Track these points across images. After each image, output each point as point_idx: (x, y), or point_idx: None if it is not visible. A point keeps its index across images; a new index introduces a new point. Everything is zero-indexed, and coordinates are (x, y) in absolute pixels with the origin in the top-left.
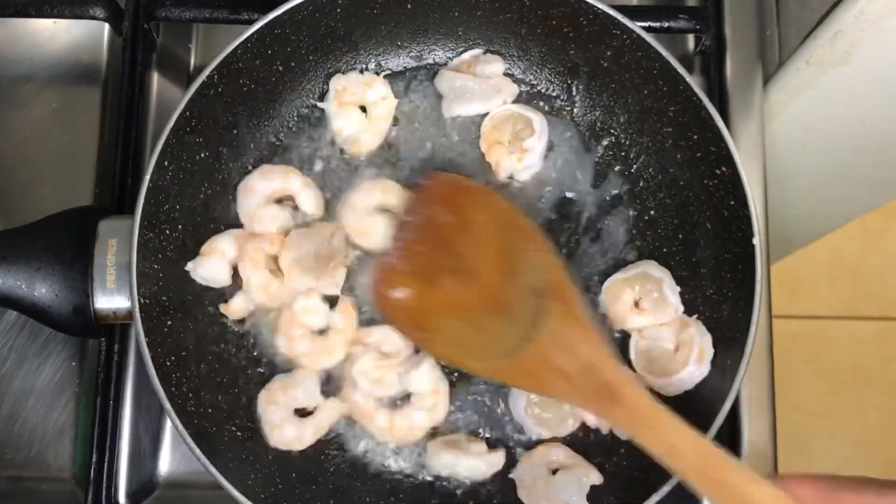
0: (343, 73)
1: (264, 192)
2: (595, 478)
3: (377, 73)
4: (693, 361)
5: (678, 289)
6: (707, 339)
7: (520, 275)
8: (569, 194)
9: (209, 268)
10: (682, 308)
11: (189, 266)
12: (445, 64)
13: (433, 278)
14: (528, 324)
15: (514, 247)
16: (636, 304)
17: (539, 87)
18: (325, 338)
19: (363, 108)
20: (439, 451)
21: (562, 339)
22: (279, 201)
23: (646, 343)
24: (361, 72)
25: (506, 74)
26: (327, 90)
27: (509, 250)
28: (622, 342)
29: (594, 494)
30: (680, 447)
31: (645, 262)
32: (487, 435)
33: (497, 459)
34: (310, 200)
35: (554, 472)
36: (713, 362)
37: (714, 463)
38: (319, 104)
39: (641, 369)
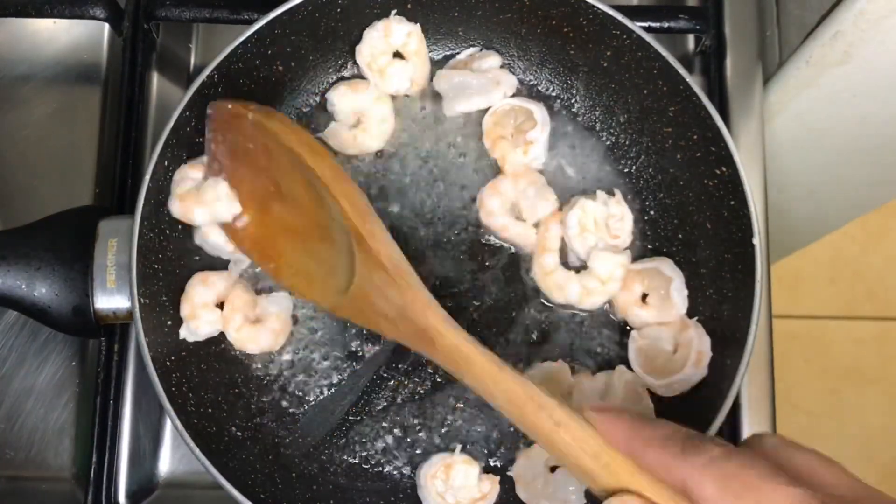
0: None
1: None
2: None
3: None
4: (691, 364)
5: (686, 292)
6: (706, 342)
7: (330, 210)
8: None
9: (202, 325)
10: (685, 310)
11: (183, 333)
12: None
13: (262, 203)
14: (348, 261)
15: (315, 182)
16: (643, 297)
17: (539, 87)
18: None
19: (354, 125)
20: (429, 483)
21: (374, 283)
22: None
23: (645, 342)
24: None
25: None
26: (328, 89)
27: (312, 184)
28: (621, 336)
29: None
30: (491, 389)
31: (661, 260)
32: (485, 432)
33: (487, 487)
34: None
35: (553, 469)
36: (713, 362)
37: (521, 405)
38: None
39: (639, 367)
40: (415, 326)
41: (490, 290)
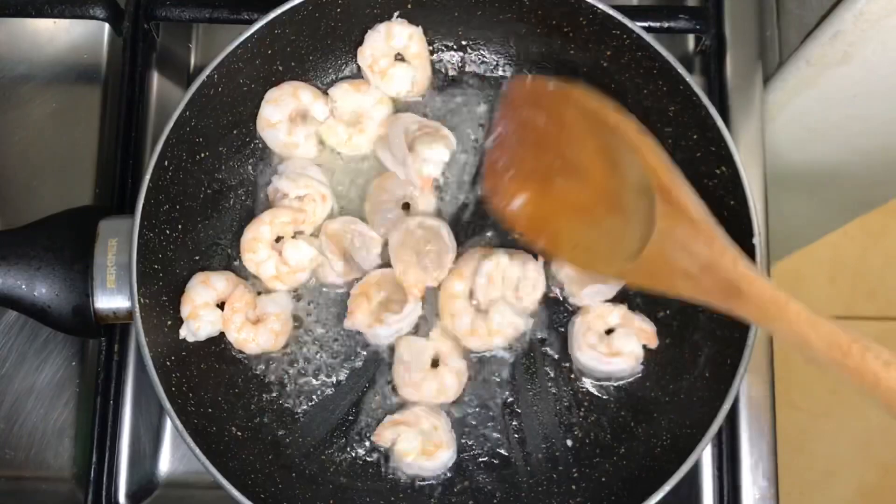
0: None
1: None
2: (652, 339)
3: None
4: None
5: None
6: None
7: (625, 174)
8: None
9: (202, 325)
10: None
11: (183, 332)
12: (445, 62)
13: (543, 181)
14: (643, 224)
15: (614, 146)
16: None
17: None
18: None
19: (352, 124)
20: (400, 458)
21: (676, 239)
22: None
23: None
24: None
25: (503, 75)
26: (328, 88)
27: (610, 149)
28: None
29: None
30: (809, 336)
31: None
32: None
33: (447, 457)
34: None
35: (608, 332)
36: (713, 361)
37: (844, 349)
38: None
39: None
40: (722, 279)
41: None
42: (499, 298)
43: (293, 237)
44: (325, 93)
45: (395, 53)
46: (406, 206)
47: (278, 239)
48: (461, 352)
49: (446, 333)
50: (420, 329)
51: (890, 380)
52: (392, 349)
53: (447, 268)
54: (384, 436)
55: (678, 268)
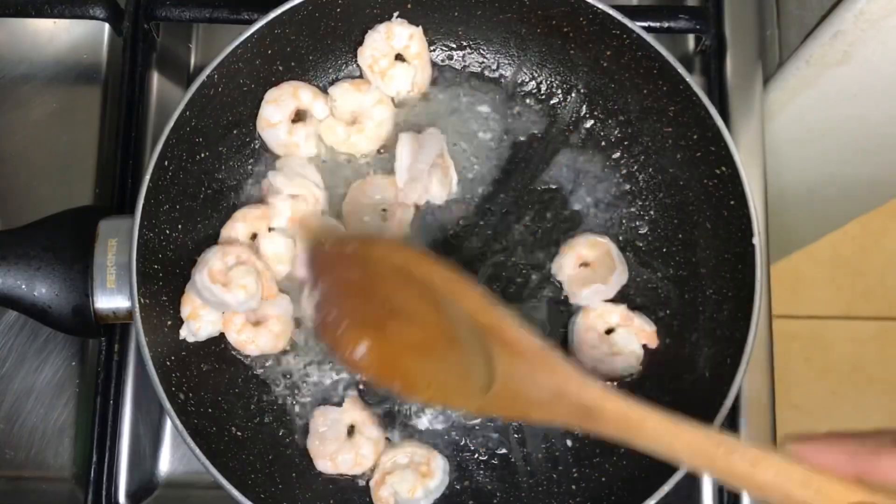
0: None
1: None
2: (652, 339)
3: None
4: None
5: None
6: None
7: (453, 316)
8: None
9: (203, 325)
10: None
11: (183, 333)
12: (445, 62)
13: (377, 327)
14: (486, 357)
15: (431, 294)
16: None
17: (539, 87)
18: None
19: (351, 123)
20: (409, 498)
21: (519, 374)
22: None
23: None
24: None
25: (503, 75)
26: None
27: (430, 294)
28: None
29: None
30: (673, 445)
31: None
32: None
33: (442, 465)
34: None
35: (608, 332)
36: (713, 361)
37: (709, 454)
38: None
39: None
40: (573, 404)
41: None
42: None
43: (269, 231)
44: (326, 92)
45: (396, 53)
46: (384, 211)
47: (254, 237)
48: (376, 420)
49: (358, 403)
50: (331, 395)
51: (761, 478)
52: None
53: None
54: (382, 497)
55: (531, 398)
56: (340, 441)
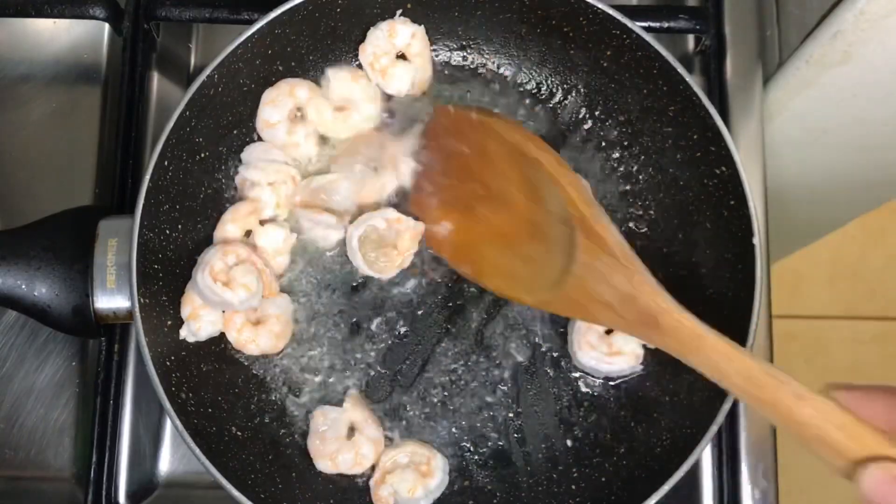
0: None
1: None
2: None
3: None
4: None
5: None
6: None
7: (547, 205)
8: None
9: (203, 325)
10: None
11: (183, 333)
12: (445, 63)
13: (466, 209)
14: (564, 255)
15: (535, 177)
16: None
17: (539, 87)
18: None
19: (339, 109)
20: (409, 498)
21: (596, 271)
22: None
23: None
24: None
25: (503, 75)
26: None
27: (531, 180)
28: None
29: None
30: (724, 368)
31: None
32: None
33: (442, 464)
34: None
35: (608, 332)
36: None
37: (759, 381)
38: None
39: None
40: (640, 311)
41: None
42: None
43: (262, 225)
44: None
45: (397, 52)
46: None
47: (248, 234)
48: (376, 420)
49: (358, 403)
50: (332, 395)
51: (802, 413)
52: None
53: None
54: (382, 496)
55: (599, 299)
56: (340, 441)
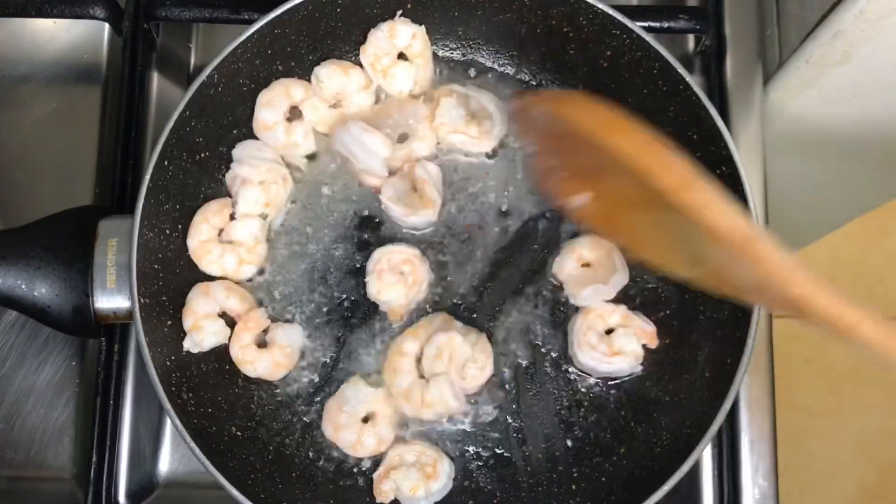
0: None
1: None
2: (652, 339)
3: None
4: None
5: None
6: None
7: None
8: None
9: (206, 336)
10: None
11: (187, 345)
12: (446, 62)
13: (594, 179)
14: (695, 236)
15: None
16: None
17: (539, 87)
18: None
19: (333, 105)
20: (411, 497)
21: (721, 258)
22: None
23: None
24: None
25: (504, 74)
26: None
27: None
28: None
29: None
30: (892, 348)
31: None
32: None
33: (447, 468)
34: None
35: (608, 332)
36: (713, 361)
37: None
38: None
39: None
40: (779, 298)
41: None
42: (442, 374)
43: (231, 220)
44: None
45: (398, 52)
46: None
47: (221, 232)
48: (396, 421)
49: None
50: (332, 394)
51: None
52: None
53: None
54: (384, 490)
55: (737, 284)
56: (353, 420)
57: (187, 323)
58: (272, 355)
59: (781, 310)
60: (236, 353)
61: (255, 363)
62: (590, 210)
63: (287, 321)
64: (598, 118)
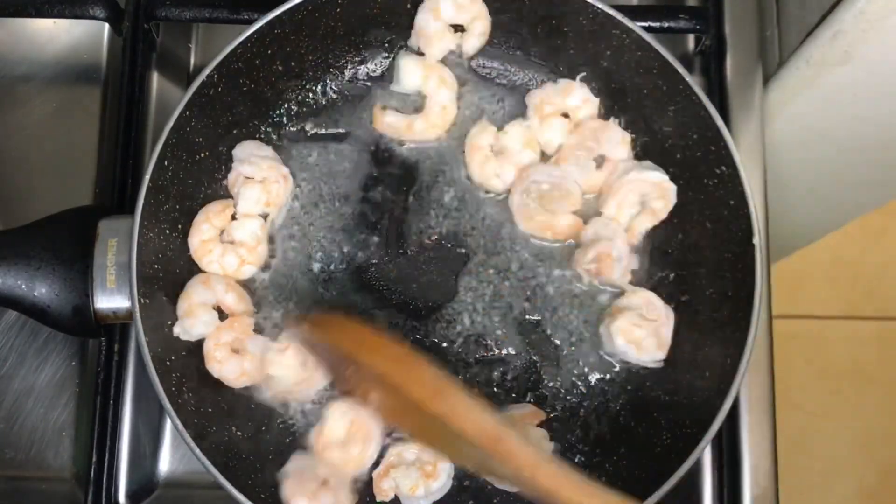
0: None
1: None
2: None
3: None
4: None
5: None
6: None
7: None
8: None
9: (196, 324)
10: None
11: (177, 330)
12: (445, 62)
13: (379, 383)
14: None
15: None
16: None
17: (539, 87)
18: None
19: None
20: (410, 496)
21: (477, 456)
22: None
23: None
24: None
25: (504, 74)
26: (326, 89)
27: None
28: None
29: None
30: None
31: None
32: None
33: (447, 467)
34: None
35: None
36: (713, 361)
37: None
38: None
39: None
40: (534, 488)
41: None
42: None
43: (232, 220)
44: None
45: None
46: None
47: (222, 233)
48: (372, 435)
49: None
50: (331, 393)
51: None
52: None
53: None
54: (383, 488)
55: (498, 476)
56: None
57: (181, 308)
58: (241, 363)
59: (547, 501)
60: (209, 347)
61: (222, 364)
62: (384, 408)
63: (275, 326)
64: (353, 339)
